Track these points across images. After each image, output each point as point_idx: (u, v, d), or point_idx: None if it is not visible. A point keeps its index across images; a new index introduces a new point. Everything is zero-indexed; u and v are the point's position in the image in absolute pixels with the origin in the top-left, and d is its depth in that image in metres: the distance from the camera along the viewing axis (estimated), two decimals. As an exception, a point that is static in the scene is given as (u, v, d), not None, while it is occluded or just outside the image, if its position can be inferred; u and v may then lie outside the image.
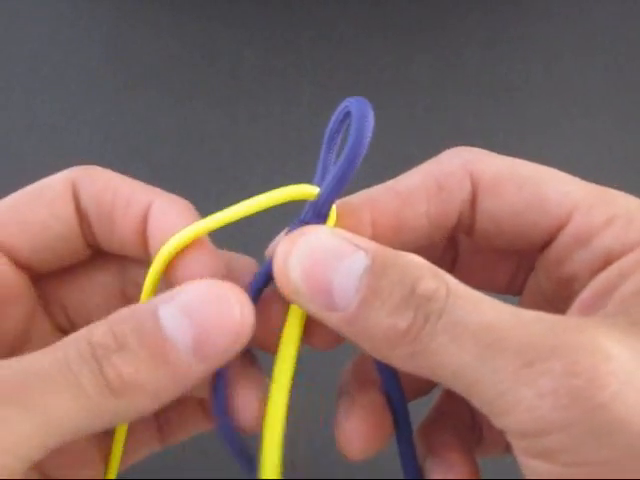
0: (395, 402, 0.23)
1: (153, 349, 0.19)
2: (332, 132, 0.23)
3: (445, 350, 0.18)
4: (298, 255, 0.20)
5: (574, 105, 0.51)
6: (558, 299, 0.23)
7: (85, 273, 0.25)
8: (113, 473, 0.25)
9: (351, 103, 0.21)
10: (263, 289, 0.22)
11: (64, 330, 0.25)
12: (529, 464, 0.18)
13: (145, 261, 0.23)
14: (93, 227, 0.23)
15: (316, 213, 0.21)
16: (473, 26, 0.54)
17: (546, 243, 0.23)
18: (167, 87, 0.51)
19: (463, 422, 0.25)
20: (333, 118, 0.22)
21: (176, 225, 0.22)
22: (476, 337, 0.18)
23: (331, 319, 0.19)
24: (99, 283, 0.25)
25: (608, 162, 0.49)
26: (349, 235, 0.20)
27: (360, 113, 0.20)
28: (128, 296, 0.25)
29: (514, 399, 0.18)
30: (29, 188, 0.23)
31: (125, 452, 0.25)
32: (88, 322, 0.24)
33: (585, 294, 0.21)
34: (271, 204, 0.21)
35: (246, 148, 0.48)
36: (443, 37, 0.54)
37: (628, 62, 0.53)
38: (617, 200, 0.22)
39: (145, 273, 0.23)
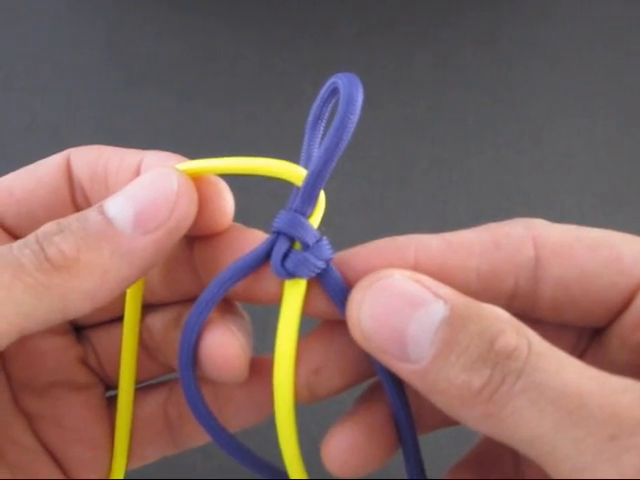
0: (399, 418, 0.21)
1: (94, 229, 0.20)
2: (317, 112, 0.21)
3: (522, 414, 0.17)
4: (371, 300, 0.19)
5: (574, 104, 0.51)
6: (632, 368, 0.21)
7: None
8: (120, 473, 0.25)
9: (339, 78, 0.20)
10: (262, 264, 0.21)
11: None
12: None
13: None
14: (87, 194, 0.24)
15: (305, 199, 0.20)
16: (473, 26, 0.54)
17: (623, 307, 0.21)
18: (167, 87, 0.51)
19: (503, 471, 0.23)
20: (319, 97, 0.21)
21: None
22: (557, 403, 0.16)
23: (403, 370, 0.18)
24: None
25: (608, 161, 0.49)
26: (428, 281, 0.19)
27: (348, 88, 0.19)
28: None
29: (594, 476, 0.16)
30: (22, 169, 0.24)
31: (134, 451, 0.25)
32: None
33: None
34: (257, 171, 0.21)
35: (246, 148, 0.48)
36: (443, 37, 0.54)
37: (628, 62, 0.53)
38: None
39: None
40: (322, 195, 0.21)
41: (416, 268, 0.20)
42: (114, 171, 0.23)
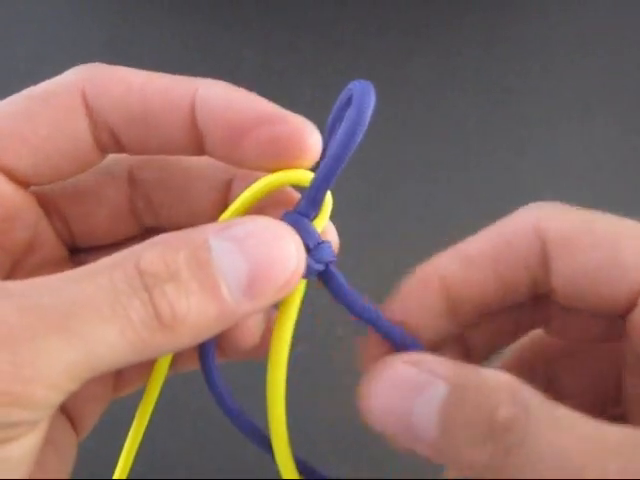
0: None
1: (205, 283, 0.18)
2: (334, 119, 0.22)
3: (529, 476, 0.17)
4: (377, 392, 0.19)
5: (572, 104, 0.51)
6: None
7: (90, 186, 0.23)
8: (124, 473, 0.25)
9: (354, 85, 0.20)
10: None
11: (65, 240, 0.24)
12: None
13: (193, 155, 0.22)
14: (121, 138, 0.21)
15: (310, 201, 0.20)
16: (472, 26, 0.54)
17: (630, 306, 0.21)
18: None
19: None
20: (336, 105, 0.21)
21: (232, 106, 0.20)
22: (556, 469, 0.17)
23: (418, 449, 0.19)
24: (105, 197, 0.23)
25: (606, 162, 0.49)
26: (429, 362, 0.19)
27: (361, 94, 0.19)
28: (136, 211, 0.24)
29: None
30: (30, 95, 0.21)
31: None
32: (91, 235, 0.23)
33: None
34: (267, 189, 0.21)
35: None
36: (443, 37, 0.54)
37: (626, 62, 0.53)
38: None
39: (162, 187, 0.22)
40: (329, 199, 0.21)
41: (442, 294, 0.21)
42: (159, 109, 0.20)
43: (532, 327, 0.24)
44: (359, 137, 0.19)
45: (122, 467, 0.25)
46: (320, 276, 0.21)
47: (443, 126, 0.50)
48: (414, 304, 0.22)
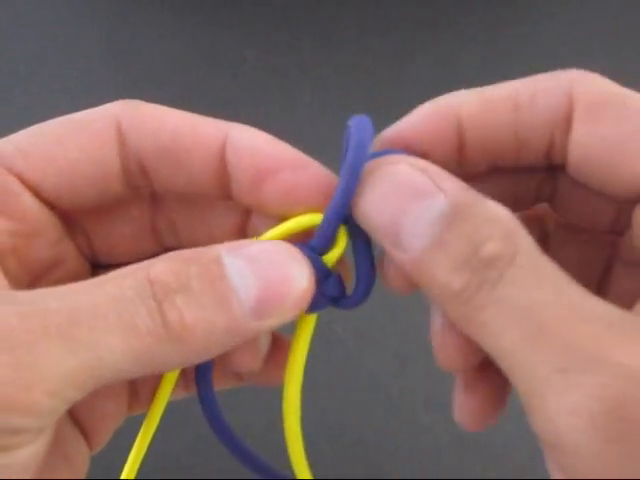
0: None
1: (217, 297, 0.18)
2: (344, 153, 0.22)
3: (490, 325, 0.17)
4: (373, 185, 0.19)
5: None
6: None
7: (113, 205, 0.23)
8: (132, 473, 0.25)
9: (352, 121, 0.20)
10: None
11: (87, 257, 0.24)
12: (549, 466, 0.18)
13: (217, 197, 0.22)
14: (149, 170, 0.21)
15: (320, 236, 0.21)
16: (473, 26, 0.54)
17: None
18: (167, 87, 0.51)
19: None
20: (344, 142, 0.22)
21: (259, 151, 0.21)
22: (520, 322, 0.17)
23: (395, 257, 0.19)
24: (128, 216, 0.23)
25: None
26: (436, 172, 0.18)
27: (355, 131, 0.20)
28: (158, 231, 0.24)
29: (540, 404, 0.16)
30: (65, 121, 0.22)
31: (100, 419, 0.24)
32: (112, 252, 0.23)
33: None
34: (279, 237, 0.21)
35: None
36: (443, 37, 0.54)
37: (628, 62, 0.53)
38: None
39: (185, 209, 0.23)
40: (342, 234, 0.21)
41: (457, 131, 0.20)
42: (187, 147, 0.21)
43: (537, 200, 0.23)
44: (359, 173, 0.20)
45: (129, 468, 0.25)
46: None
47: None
48: (424, 133, 0.21)
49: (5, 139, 0.22)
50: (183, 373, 0.23)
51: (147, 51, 0.52)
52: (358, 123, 0.20)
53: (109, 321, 0.17)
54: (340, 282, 0.21)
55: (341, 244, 0.21)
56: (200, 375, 0.22)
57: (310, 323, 0.22)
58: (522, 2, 0.55)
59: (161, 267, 0.18)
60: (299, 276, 0.19)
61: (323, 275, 0.21)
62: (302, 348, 0.22)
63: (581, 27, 0.54)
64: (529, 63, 0.53)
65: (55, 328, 0.17)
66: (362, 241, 0.21)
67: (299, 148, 0.21)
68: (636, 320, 0.17)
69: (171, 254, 0.19)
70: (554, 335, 0.16)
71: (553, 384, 0.16)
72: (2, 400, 0.16)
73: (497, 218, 0.18)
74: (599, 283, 0.23)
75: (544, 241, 0.23)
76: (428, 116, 0.21)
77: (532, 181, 0.22)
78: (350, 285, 0.22)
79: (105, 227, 0.23)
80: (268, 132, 0.22)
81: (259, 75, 0.51)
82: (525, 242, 0.18)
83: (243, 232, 0.23)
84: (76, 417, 0.22)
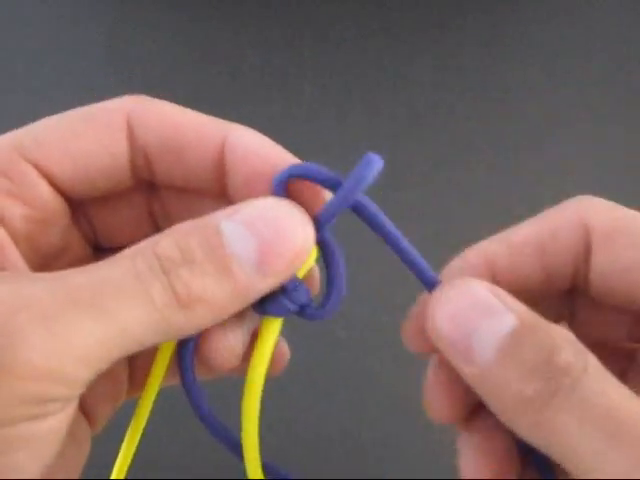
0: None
1: (219, 264, 0.19)
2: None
3: (567, 429, 0.18)
4: (448, 301, 0.20)
5: (574, 106, 0.51)
6: None
7: (117, 193, 0.24)
8: (122, 473, 0.25)
9: (363, 157, 0.21)
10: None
11: (89, 241, 0.25)
12: None
13: (215, 194, 0.23)
14: (153, 163, 0.23)
15: None
16: (473, 26, 0.54)
17: None
18: (167, 87, 0.51)
19: None
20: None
21: (257, 153, 0.22)
22: (599, 424, 0.17)
23: (465, 371, 0.20)
24: (130, 203, 0.25)
25: (607, 162, 0.49)
26: (503, 294, 0.20)
27: (363, 164, 0.20)
28: (154, 216, 0.25)
29: None
30: (80, 113, 0.23)
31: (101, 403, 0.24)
32: (113, 238, 0.25)
33: None
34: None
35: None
36: (443, 37, 0.54)
37: (627, 63, 0.53)
38: None
39: (180, 200, 0.24)
40: (313, 248, 0.22)
41: (489, 279, 0.22)
42: (190, 143, 0.22)
43: (558, 320, 0.24)
44: (349, 202, 0.21)
45: (119, 468, 0.25)
46: (298, 314, 0.22)
47: (444, 126, 0.50)
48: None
49: (23, 129, 0.23)
50: (172, 364, 0.24)
51: (147, 51, 0.52)
52: (370, 159, 0.21)
53: (130, 294, 0.18)
54: (308, 293, 0.22)
55: (312, 256, 0.22)
56: (182, 361, 0.23)
57: (275, 327, 0.22)
58: (522, 2, 0.55)
59: (165, 243, 0.19)
60: (296, 229, 0.20)
61: (293, 285, 0.21)
62: (266, 351, 0.22)
63: (581, 27, 0.54)
64: (529, 64, 0.53)
65: (83, 300, 0.18)
66: (334, 257, 0.22)
67: (298, 147, 0.22)
68: None
69: (174, 228, 0.20)
70: (633, 433, 0.17)
71: (634, 476, 0.17)
72: (35, 369, 0.17)
73: (566, 335, 0.19)
74: None
75: None
76: (462, 273, 0.22)
77: (552, 305, 0.24)
78: (316, 297, 0.23)
79: (108, 213, 0.25)
80: (268, 131, 0.22)
81: (259, 75, 0.51)
82: (591, 356, 0.19)
83: None
84: (80, 399, 0.23)
